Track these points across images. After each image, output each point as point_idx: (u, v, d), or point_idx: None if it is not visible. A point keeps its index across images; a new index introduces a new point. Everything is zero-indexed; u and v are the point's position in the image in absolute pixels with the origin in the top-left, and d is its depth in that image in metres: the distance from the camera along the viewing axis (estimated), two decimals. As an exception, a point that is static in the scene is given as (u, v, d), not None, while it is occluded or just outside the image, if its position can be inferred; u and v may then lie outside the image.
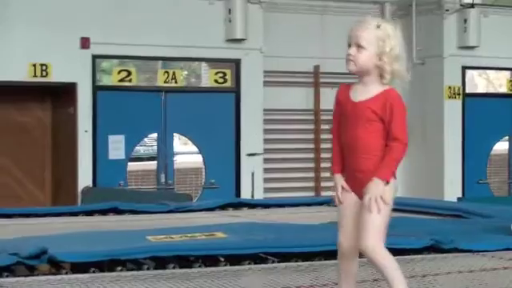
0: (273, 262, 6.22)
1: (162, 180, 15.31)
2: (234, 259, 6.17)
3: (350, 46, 4.62)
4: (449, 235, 7.02)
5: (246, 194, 15.16)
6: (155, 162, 15.54)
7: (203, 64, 16.05)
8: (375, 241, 4.44)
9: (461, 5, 16.47)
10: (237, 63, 15.41)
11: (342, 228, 4.67)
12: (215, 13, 15.18)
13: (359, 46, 4.57)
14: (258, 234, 6.95)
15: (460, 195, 16.14)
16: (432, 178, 16.48)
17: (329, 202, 10.56)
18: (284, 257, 6.29)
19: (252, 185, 15.30)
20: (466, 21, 16.38)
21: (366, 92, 4.58)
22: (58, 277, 5.39)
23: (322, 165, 16.53)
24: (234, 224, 7.62)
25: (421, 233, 7.02)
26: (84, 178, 14.52)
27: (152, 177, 15.55)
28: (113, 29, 14.51)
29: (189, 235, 6.70)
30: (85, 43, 14.44)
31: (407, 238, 6.81)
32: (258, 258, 6.29)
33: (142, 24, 14.68)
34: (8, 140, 15.21)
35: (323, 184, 16.40)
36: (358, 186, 4.58)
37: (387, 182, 4.47)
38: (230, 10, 15.13)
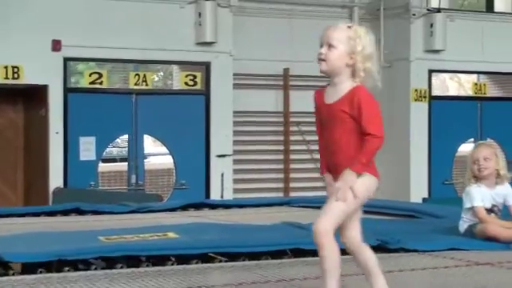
0: (220, 261, 6.27)
1: (133, 181, 15.32)
2: (183, 259, 6.22)
3: (321, 46, 4.62)
4: (396, 235, 7.07)
5: (215, 195, 15.21)
6: (126, 164, 15.58)
7: (174, 67, 16.08)
8: (327, 227, 4.46)
9: (427, 9, 16.62)
10: (207, 66, 15.45)
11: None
12: (186, 16, 15.21)
13: (330, 46, 4.57)
14: (209, 234, 7.01)
15: (426, 196, 16.25)
16: (398, 179, 16.53)
17: (289, 203, 10.65)
18: (231, 256, 6.34)
19: (221, 186, 15.34)
20: (432, 25, 16.52)
21: (336, 93, 4.60)
22: (5, 278, 5.41)
23: (292, 166, 16.61)
24: (188, 224, 7.65)
25: (369, 233, 7.05)
26: (55, 179, 14.53)
27: (123, 178, 15.59)
28: (84, 31, 14.50)
29: (141, 235, 6.73)
30: (56, 46, 14.44)
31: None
32: (206, 258, 6.35)
33: (114, 27, 14.70)
34: (-19, 141, 15.27)
35: (292, 185, 16.50)
36: (337, 178, 4.59)
37: (359, 174, 4.46)
38: (200, 14, 15.17)
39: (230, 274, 6.00)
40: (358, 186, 4.48)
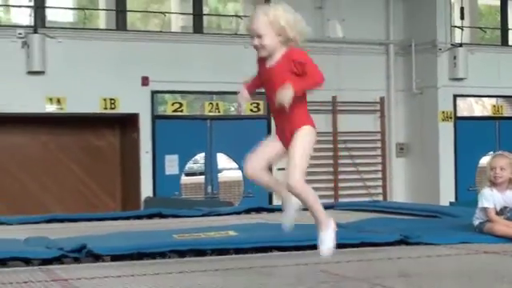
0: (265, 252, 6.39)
1: (209, 191, 15.48)
2: (240, 252, 6.36)
3: (252, 38, 4.63)
4: (417, 231, 7.13)
5: (276, 202, 15.28)
6: (203, 177, 15.75)
7: (241, 96, 16.22)
8: (298, 177, 4.56)
9: (451, 44, 16.54)
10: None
11: (255, 154, 4.83)
12: (248, 55, 15.29)
13: (259, 36, 4.58)
14: (261, 231, 7.13)
15: (453, 200, 16.15)
16: (430, 186, 16.49)
17: (333, 207, 10.69)
18: (279, 249, 6.46)
19: (282, 194, 15.40)
20: (455, 57, 16.44)
21: (272, 60, 4.67)
22: (96, 264, 5.59)
23: (339, 176, 16.65)
24: (246, 224, 7.79)
25: (393, 229, 7.13)
26: (146, 190, 14.78)
27: (201, 188, 15.71)
28: (168, 69, 14.74)
29: (207, 233, 6.87)
30: (145, 81, 14.70)
31: (381, 234, 6.96)
32: (258, 250, 6.46)
33: (192, 65, 14.90)
34: (87, 159, 15.51)
35: (340, 192, 16.52)
36: (284, 138, 4.74)
37: (295, 91, 4.49)
38: (261, 52, 15.32)
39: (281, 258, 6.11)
40: (300, 135, 4.61)
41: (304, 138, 4.63)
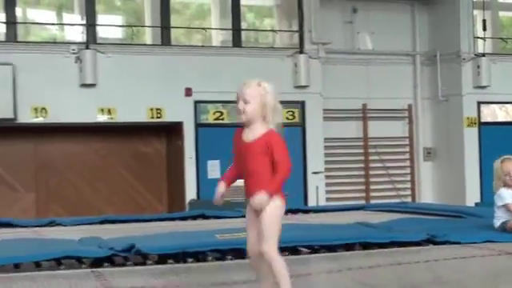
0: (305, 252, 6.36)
1: (249, 193, 15.44)
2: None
3: (238, 102, 4.53)
4: (443, 231, 7.06)
5: (311, 203, 15.22)
6: (243, 180, 15.67)
7: (277, 105, 16.17)
8: (271, 246, 4.33)
9: (475, 54, 16.39)
10: (302, 104, 15.50)
11: (248, 234, 4.59)
12: (285, 66, 15.35)
13: (246, 101, 4.48)
14: (298, 231, 7.10)
15: (478, 200, 15.96)
16: (456, 188, 16.34)
17: (364, 208, 10.63)
18: (313, 248, 6.43)
19: (316, 196, 15.37)
20: (478, 66, 16.28)
21: (253, 134, 4.50)
22: (144, 267, 5.60)
23: (371, 179, 16.56)
24: (283, 225, 7.74)
25: (421, 229, 7.07)
26: (190, 193, 14.77)
27: (242, 191, 15.66)
28: (209, 80, 14.74)
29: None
30: (188, 92, 14.73)
31: (410, 233, 6.89)
32: (294, 250, 6.43)
33: (231, 76, 14.87)
34: (135, 165, 15.57)
35: (371, 194, 16.44)
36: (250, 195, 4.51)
37: (270, 195, 4.35)
38: (296, 64, 15.31)
39: (314, 263, 6.05)
40: (269, 204, 4.37)
41: (272, 207, 4.43)
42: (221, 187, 4.70)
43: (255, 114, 4.49)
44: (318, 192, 15.39)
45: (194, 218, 9.77)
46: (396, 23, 16.87)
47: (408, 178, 16.98)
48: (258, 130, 4.51)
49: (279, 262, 4.35)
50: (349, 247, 6.53)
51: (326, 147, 15.74)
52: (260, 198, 4.35)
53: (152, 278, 5.09)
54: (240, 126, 4.64)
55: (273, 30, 16.16)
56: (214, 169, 14.99)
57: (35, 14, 15.47)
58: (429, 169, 17.04)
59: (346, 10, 16.47)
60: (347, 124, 16.43)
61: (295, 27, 15.78)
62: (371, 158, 16.59)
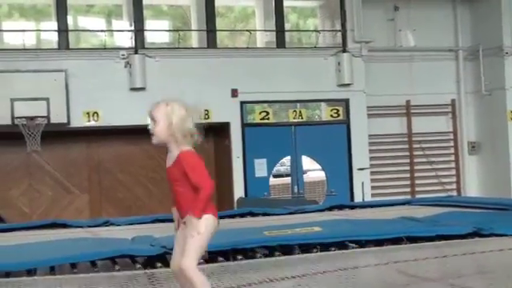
0: (352, 247, 6.35)
1: (296, 191, 15.41)
2: (324, 246, 6.33)
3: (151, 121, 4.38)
4: (489, 224, 6.98)
5: (357, 199, 15.15)
6: (289, 178, 15.74)
7: (322, 103, 16.16)
8: (192, 262, 4.20)
9: (517, 48, 16.19)
10: (346, 102, 15.47)
11: (174, 249, 4.48)
12: (329, 65, 15.32)
13: (154, 122, 4.33)
14: (344, 227, 7.09)
15: (523, 193, 15.74)
16: (501, 181, 16.10)
17: (409, 203, 10.55)
18: (360, 243, 6.40)
19: (362, 192, 15.31)
20: (522, 59, 16.07)
21: (171, 158, 4.38)
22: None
23: (416, 174, 16.43)
24: (330, 220, 7.74)
25: (467, 223, 6.99)
26: (238, 191, 14.82)
27: (288, 189, 15.70)
28: (255, 81, 14.79)
29: (294, 230, 6.86)
30: (234, 93, 14.78)
31: (456, 226, 6.83)
32: (341, 245, 6.42)
33: (276, 76, 14.94)
34: (185, 165, 15.67)
35: (417, 189, 16.31)
36: (180, 213, 4.37)
37: (199, 218, 4.21)
38: (339, 63, 15.25)
39: (361, 256, 6.04)
40: (200, 227, 4.19)
41: (201, 228, 4.28)
42: (174, 214, 4.48)
43: (163, 135, 4.32)
44: (363, 188, 15.32)
45: (243, 215, 9.79)
46: (437, 19, 16.72)
47: (453, 172, 16.81)
48: (173, 152, 4.36)
49: (199, 278, 4.23)
50: (395, 242, 6.49)
51: (370, 144, 15.66)
52: (189, 220, 4.21)
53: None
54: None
55: (316, 30, 16.12)
56: (260, 167, 15.04)
57: (85, 22, 15.69)
58: (473, 162, 16.84)
59: (387, 7, 16.36)
60: (391, 120, 16.32)
61: (338, 27, 15.73)
62: (416, 153, 16.45)
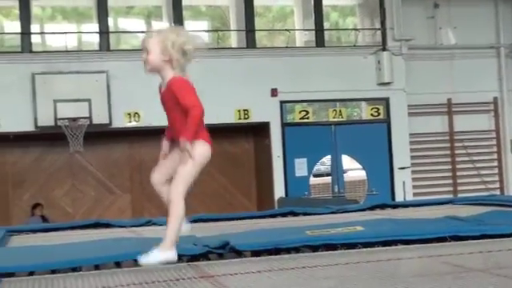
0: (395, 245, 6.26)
1: (336, 190, 15.41)
2: (367, 246, 6.25)
3: (142, 52, 4.50)
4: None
5: (399, 198, 15.08)
6: (330, 177, 15.71)
7: (362, 102, 16.10)
8: (180, 189, 4.39)
9: (560, 44, 15.93)
10: (387, 100, 15.39)
11: (158, 165, 4.72)
12: (369, 64, 15.26)
13: (147, 51, 4.45)
14: (387, 226, 7.00)
15: None
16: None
17: (452, 202, 10.39)
18: (404, 242, 6.30)
19: (403, 191, 15.21)
20: (560, 55, 15.82)
21: (164, 84, 4.52)
22: (239, 259, 5.62)
23: (458, 173, 16.25)
24: (372, 220, 7.65)
25: (507, 222, 6.85)
26: (279, 191, 14.86)
27: (328, 188, 15.67)
28: (294, 81, 14.81)
29: (336, 229, 6.79)
30: (274, 93, 14.81)
31: (501, 226, 6.70)
32: (384, 245, 6.33)
33: (315, 76, 14.91)
34: (224, 165, 15.70)
35: (459, 188, 16.13)
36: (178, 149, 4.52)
37: (190, 141, 4.35)
38: (379, 61, 15.17)
39: (405, 251, 5.96)
40: (193, 149, 4.36)
41: (195, 154, 4.45)
42: (164, 146, 4.77)
43: (156, 61, 4.45)
44: (404, 187, 15.22)
45: (284, 215, 9.73)
46: (478, 16, 16.51)
47: (495, 170, 16.59)
48: (166, 79, 4.49)
49: (179, 206, 4.41)
50: (439, 241, 6.40)
51: (411, 142, 15.54)
52: (182, 144, 4.35)
53: (247, 266, 5.14)
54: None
55: (355, 29, 16.06)
56: (301, 167, 15.04)
57: (126, 23, 15.81)
58: (516, 161, 16.64)
59: (427, 5, 16.22)
60: (432, 119, 16.17)
61: (377, 25, 15.64)
62: (457, 151, 16.27)
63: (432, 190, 15.69)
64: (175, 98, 4.40)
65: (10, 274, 4.77)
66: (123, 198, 15.30)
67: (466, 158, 16.28)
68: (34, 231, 8.21)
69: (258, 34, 15.49)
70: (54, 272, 4.95)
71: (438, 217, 7.61)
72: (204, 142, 4.49)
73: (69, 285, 4.42)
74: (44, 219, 14.20)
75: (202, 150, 4.47)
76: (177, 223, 4.46)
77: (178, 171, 4.42)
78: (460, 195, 15.42)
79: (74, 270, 5.06)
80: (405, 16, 15.49)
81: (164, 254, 4.48)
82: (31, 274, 4.95)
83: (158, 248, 4.50)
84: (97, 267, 5.25)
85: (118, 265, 5.35)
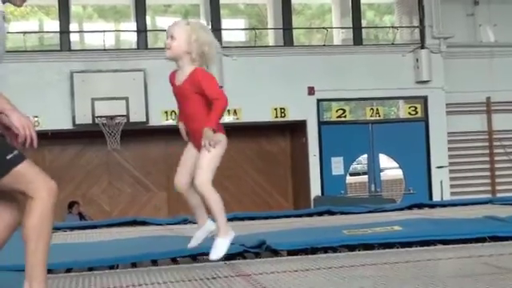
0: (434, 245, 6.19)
1: (373, 189, 15.32)
2: (405, 245, 6.18)
3: (167, 38, 4.54)
4: None
5: (436, 198, 14.90)
6: (367, 176, 15.61)
7: (399, 101, 15.96)
8: (207, 178, 4.41)
9: None
10: (425, 99, 15.24)
11: (180, 168, 4.70)
12: (406, 62, 15.12)
13: (172, 37, 4.48)
14: (425, 226, 6.92)
15: None
16: None
17: (491, 202, 10.25)
18: (443, 242, 6.23)
19: (441, 190, 15.04)
20: None
21: (182, 75, 4.51)
22: (275, 258, 5.58)
23: (497, 173, 16.03)
24: (410, 219, 7.56)
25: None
26: (315, 189, 14.80)
27: (365, 187, 15.60)
28: (331, 79, 14.74)
29: (374, 229, 6.73)
30: (311, 91, 14.75)
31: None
32: (423, 244, 6.26)
33: (353, 75, 14.83)
34: (261, 163, 15.75)
35: (497, 188, 15.90)
36: (195, 142, 4.57)
37: (214, 130, 4.37)
38: (417, 59, 15.03)
39: (444, 251, 5.89)
40: (215, 137, 4.37)
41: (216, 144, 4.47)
42: (181, 127, 4.78)
43: (180, 50, 4.49)
44: (442, 186, 15.05)
45: (320, 214, 9.68)
46: (519, 14, 16.30)
47: (535, 170, 16.34)
48: (185, 69, 4.51)
49: (214, 195, 4.46)
50: (478, 241, 6.30)
51: (449, 141, 15.37)
52: (206, 132, 4.35)
53: (283, 265, 5.11)
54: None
55: (393, 27, 15.92)
56: (337, 165, 14.97)
57: (163, 22, 15.87)
58: (556, 161, 16.36)
59: (466, 2, 16.02)
60: (471, 118, 15.95)
61: (416, 23, 15.49)
62: (496, 151, 16.04)
63: (470, 190, 15.49)
64: (198, 88, 4.42)
65: (48, 271, 4.80)
66: (159, 195, 15.37)
67: (505, 158, 16.05)
68: (72, 229, 8.27)
69: (295, 32, 15.44)
70: (91, 269, 4.97)
71: (476, 217, 7.52)
72: (221, 134, 4.51)
73: (105, 282, 4.44)
74: (81, 216, 14.31)
75: (222, 144, 4.50)
76: (218, 207, 4.53)
77: (201, 161, 4.45)
78: (498, 195, 15.22)
79: (111, 267, 5.08)
80: (444, 13, 15.31)
81: (226, 238, 4.65)
82: (68, 270, 4.98)
83: (217, 238, 4.65)
84: (133, 265, 5.26)
85: (154, 263, 5.36)
